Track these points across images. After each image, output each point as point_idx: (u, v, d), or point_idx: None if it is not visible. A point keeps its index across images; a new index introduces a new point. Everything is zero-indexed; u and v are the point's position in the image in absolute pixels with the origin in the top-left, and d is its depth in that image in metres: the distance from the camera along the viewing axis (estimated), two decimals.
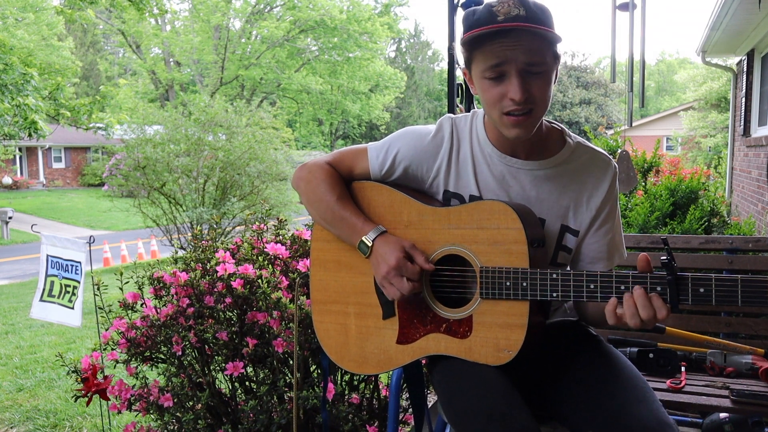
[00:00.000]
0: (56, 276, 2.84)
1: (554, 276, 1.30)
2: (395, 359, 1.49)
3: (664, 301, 1.21)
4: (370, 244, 1.45)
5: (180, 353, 2.23)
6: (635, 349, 2.21)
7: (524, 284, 1.32)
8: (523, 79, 1.31)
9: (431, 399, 2.84)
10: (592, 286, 1.27)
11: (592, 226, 1.47)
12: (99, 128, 11.79)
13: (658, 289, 1.21)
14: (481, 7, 1.35)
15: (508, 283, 1.33)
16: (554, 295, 1.30)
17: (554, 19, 1.34)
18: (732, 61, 8.17)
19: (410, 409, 2.22)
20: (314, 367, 2.32)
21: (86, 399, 2.38)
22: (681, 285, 1.19)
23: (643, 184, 4.08)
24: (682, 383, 2.05)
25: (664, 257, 1.19)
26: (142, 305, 2.37)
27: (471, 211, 1.40)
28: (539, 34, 1.29)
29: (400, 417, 2.42)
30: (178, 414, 2.29)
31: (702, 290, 1.18)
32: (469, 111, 1.84)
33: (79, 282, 2.79)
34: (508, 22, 1.28)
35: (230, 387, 2.37)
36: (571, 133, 1.50)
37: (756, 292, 1.14)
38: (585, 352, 1.47)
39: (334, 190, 1.51)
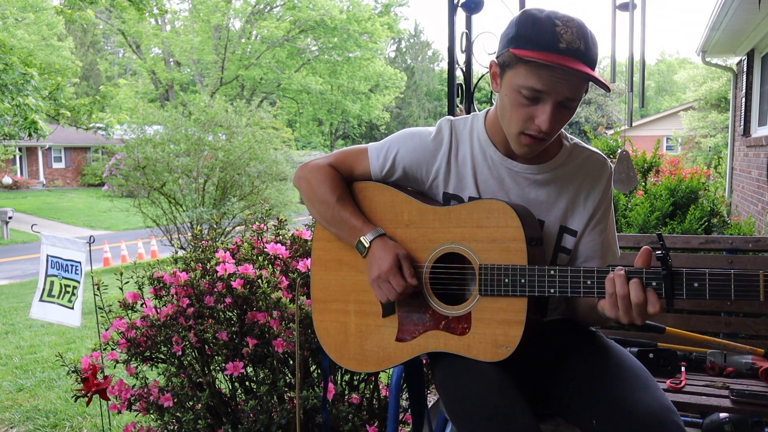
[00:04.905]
0: (56, 276, 2.84)
1: (552, 272, 1.31)
2: (394, 357, 1.50)
3: (658, 296, 1.22)
4: (367, 245, 1.48)
5: (180, 353, 2.23)
6: (635, 349, 2.21)
7: (522, 281, 1.33)
8: (557, 110, 1.32)
9: (431, 399, 2.84)
10: (588, 282, 1.29)
11: (588, 226, 1.50)
12: (99, 128, 11.82)
13: (653, 284, 1.23)
14: (543, 18, 1.29)
15: (506, 280, 1.34)
16: (552, 291, 1.31)
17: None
18: (732, 61, 8.17)
19: (410, 409, 2.22)
20: (314, 367, 2.32)
21: (86, 399, 2.38)
22: (676, 279, 1.21)
23: (643, 184, 4.07)
24: (682, 383, 2.05)
25: (660, 252, 1.21)
26: (142, 305, 2.37)
27: (470, 209, 1.42)
28: (590, 79, 1.29)
29: (400, 417, 2.42)
30: (178, 414, 2.29)
31: (696, 284, 1.20)
32: (469, 112, 1.84)
33: (79, 282, 2.78)
34: (569, 55, 1.26)
35: (230, 387, 2.37)
36: (567, 134, 1.52)
37: (748, 286, 1.17)
38: (585, 347, 1.48)
39: (334, 191, 1.54)
